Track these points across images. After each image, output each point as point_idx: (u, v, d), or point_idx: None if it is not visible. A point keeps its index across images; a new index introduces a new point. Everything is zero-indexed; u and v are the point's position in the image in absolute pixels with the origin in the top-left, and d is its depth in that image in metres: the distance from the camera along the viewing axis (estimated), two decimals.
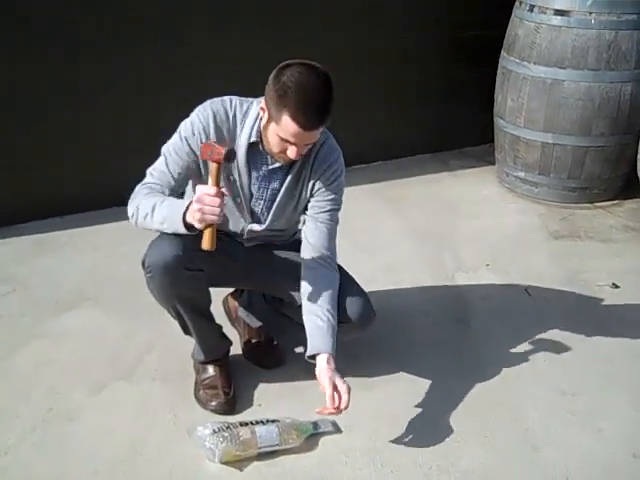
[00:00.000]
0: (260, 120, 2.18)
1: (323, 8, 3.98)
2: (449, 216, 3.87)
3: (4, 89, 3.40)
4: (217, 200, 1.96)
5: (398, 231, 3.69)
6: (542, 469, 2.21)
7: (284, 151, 2.12)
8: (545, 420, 2.41)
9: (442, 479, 2.16)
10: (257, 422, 2.27)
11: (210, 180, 2.02)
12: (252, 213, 2.35)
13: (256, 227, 2.36)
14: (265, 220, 2.35)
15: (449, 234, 3.67)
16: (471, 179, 4.35)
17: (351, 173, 4.16)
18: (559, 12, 3.70)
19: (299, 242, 2.55)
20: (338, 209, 2.35)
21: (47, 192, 3.66)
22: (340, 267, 2.42)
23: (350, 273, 2.47)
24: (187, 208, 2.01)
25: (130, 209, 2.21)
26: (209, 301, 2.42)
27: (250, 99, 2.25)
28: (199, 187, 2.01)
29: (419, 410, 2.44)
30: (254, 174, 2.28)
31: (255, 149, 2.24)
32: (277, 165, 2.26)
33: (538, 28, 3.78)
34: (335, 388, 2.15)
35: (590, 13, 3.64)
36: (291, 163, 2.25)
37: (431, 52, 4.39)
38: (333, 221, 2.34)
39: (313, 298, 2.27)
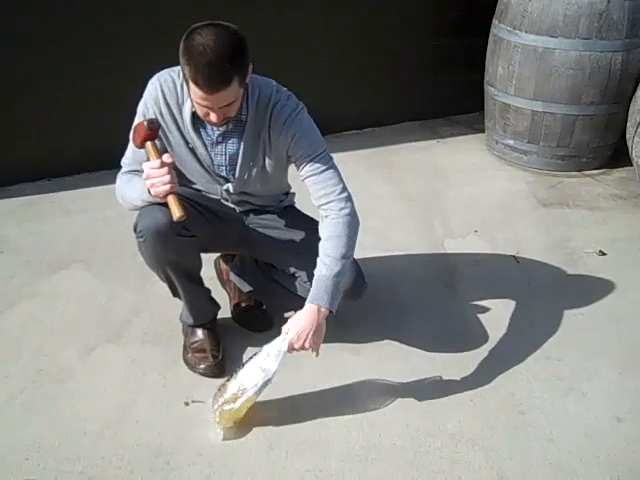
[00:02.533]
0: None
1: None
2: (438, 183, 3.87)
3: None
4: (163, 170, 1.99)
5: (387, 197, 3.70)
6: (526, 433, 2.24)
7: (207, 115, 2.09)
8: (530, 385, 2.43)
9: (429, 442, 2.19)
10: (236, 372, 2.23)
11: (151, 156, 2.05)
12: (220, 176, 2.34)
13: (230, 188, 2.35)
14: (234, 182, 2.34)
15: (438, 201, 3.68)
16: (461, 147, 4.35)
17: (341, 139, 4.23)
18: None
19: (295, 209, 2.56)
20: (322, 152, 2.25)
21: (36, 154, 3.64)
22: None
23: None
24: None
25: (119, 199, 2.28)
26: (200, 266, 2.43)
27: None
28: (144, 164, 2.04)
29: (406, 375, 2.46)
30: (207, 141, 2.27)
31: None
32: (225, 129, 2.24)
33: None
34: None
35: None
36: (243, 126, 2.22)
37: (422, 20, 4.36)
38: (322, 163, 2.25)
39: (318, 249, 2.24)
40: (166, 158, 2.02)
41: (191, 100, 2.12)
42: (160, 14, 3.59)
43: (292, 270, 2.46)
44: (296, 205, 2.64)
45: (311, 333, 2.11)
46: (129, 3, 3.54)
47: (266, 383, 2.15)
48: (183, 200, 2.05)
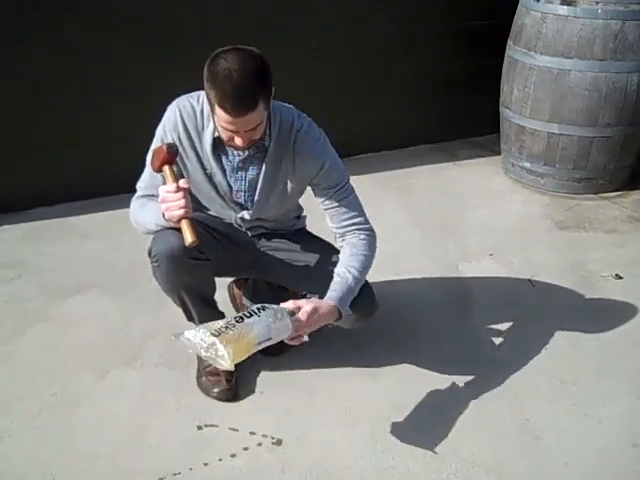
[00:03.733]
0: None
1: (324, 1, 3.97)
2: (454, 206, 3.87)
3: (7, 77, 3.43)
4: (178, 195, 2.00)
5: (403, 220, 3.70)
6: (541, 457, 2.22)
7: (231, 140, 2.11)
8: (545, 409, 2.42)
9: (442, 467, 2.18)
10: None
11: (167, 180, 2.07)
12: (237, 204, 2.36)
13: (246, 216, 2.37)
14: (251, 209, 2.36)
15: (454, 224, 3.67)
16: (477, 169, 4.35)
17: (357, 162, 4.24)
18: (565, 2, 3.69)
19: (306, 232, 2.57)
20: (344, 183, 2.31)
21: (53, 178, 3.68)
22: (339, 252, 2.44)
23: None
24: None
25: (132, 223, 2.31)
26: (214, 290, 2.44)
27: None
28: (160, 188, 2.05)
29: (420, 398, 2.45)
30: (227, 167, 2.29)
31: (221, 141, 2.24)
32: (247, 154, 2.26)
33: (545, 18, 3.77)
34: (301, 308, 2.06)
35: (597, 3, 3.62)
36: (265, 151, 2.24)
37: (438, 42, 4.39)
38: (346, 194, 2.31)
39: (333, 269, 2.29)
40: (182, 183, 2.04)
41: (214, 125, 2.15)
42: (175, 41, 3.64)
43: (304, 292, 2.46)
44: (307, 227, 2.66)
45: (316, 327, 2.11)
46: (141, 29, 3.59)
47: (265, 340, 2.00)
48: (196, 224, 2.06)
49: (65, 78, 3.54)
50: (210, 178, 2.29)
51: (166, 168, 2.08)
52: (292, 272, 2.48)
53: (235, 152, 2.25)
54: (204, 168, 2.28)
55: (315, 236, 2.60)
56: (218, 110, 2.02)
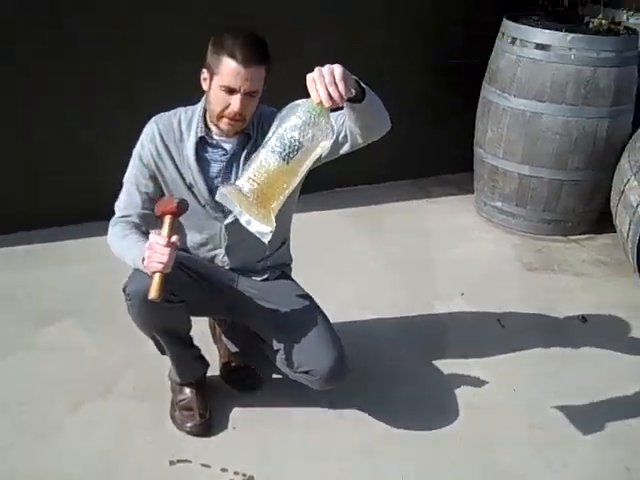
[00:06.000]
0: (204, 112, 2.29)
1: (304, 36, 3.99)
2: (427, 243, 3.93)
3: None
4: (166, 250, 2.02)
5: (376, 258, 3.74)
6: None
7: (228, 106, 2.17)
8: (513, 454, 2.46)
9: None
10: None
11: (164, 230, 2.08)
12: (220, 210, 2.35)
13: (231, 219, 2.33)
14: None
15: (426, 262, 3.72)
16: (449, 207, 4.42)
17: (331, 197, 4.29)
18: (540, 46, 3.78)
19: (291, 282, 2.58)
20: None
21: (33, 204, 3.67)
22: (317, 307, 2.48)
23: (326, 303, 2.53)
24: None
25: (110, 246, 2.31)
26: (189, 328, 2.45)
27: (196, 105, 2.34)
28: (153, 234, 2.07)
29: (392, 440, 2.49)
30: (212, 168, 2.33)
31: (205, 144, 2.31)
32: (231, 146, 2.31)
33: (519, 61, 3.86)
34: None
35: (570, 49, 3.72)
36: (248, 139, 2.29)
37: (414, 79, 4.45)
38: None
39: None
40: (174, 239, 2.06)
41: (198, 125, 2.26)
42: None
43: (273, 343, 2.43)
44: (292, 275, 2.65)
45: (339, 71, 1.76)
46: (128, 78, 3.63)
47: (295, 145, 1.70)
48: (174, 269, 2.06)
49: (43, 105, 3.56)
50: (189, 187, 2.32)
51: (168, 218, 2.09)
52: (266, 322, 2.46)
53: (223, 145, 2.31)
54: (183, 178, 2.32)
55: (297, 287, 2.57)
56: (226, 63, 2.12)
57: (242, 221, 1.74)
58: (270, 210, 1.71)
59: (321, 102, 1.70)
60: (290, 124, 1.68)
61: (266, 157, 1.68)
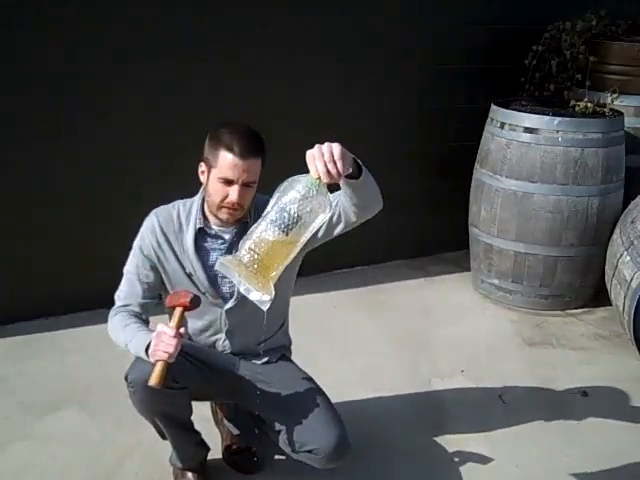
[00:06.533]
0: (203, 203, 2.36)
1: (290, 115, 4.07)
2: (426, 322, 3.96)
3: None
4: (173, 341, 2.06)
5: (376, 336, 3.77)
6: None
7: (226, 197, 2.24)
8: None
9: None
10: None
11: (173, 321, 2.13)
12: (220, 297, 2.41)
13: (231, 304, 2.41)
14: (237, 295, 2.38)
15: (425, 340, 3.75)
16: (448, 285, 4.47)
17: (331, 278, 4.35)
18: (528, 129, 3.90)
19: (291, 365, 2.61)
20: None
21: (32, 293, 3.72)
22: (318, 388, 2.50)
23: (326, 383, 2.55)
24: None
25: (110, 335, 2.34)
26: (190, 414, 2.46)
27: (194, 197, 2.42)
28: (161, 324, 2.11)
29: None
30: (212, 257, 2.38)
31: (204, 234, 2.37)
32: (230, 235, 2.37)
33: (509, 144, 3.97)
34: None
35: (557, 131, 3.84)
36: (242, 233, 2.27)
37: (411, 161, 4.56)
38: None
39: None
40: (182, 331, 2.11)
41: (196, 217, 2.33)
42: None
43: (276, 425, 2.45)
44: (292, 357, 2.68)
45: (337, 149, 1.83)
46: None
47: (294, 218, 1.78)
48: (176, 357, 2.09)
49: (45, 193, 3.64)
50: (189, 276, 2.38)
51: (179, 311, 2.15)
52: (268, 404, 2.47)
53: (221, 235, 2.37)
54: (183, 268, 2.37)
55: (297, 369, 2.60)
56: (223, 156, 2.19)
57: (241, 289, 1.80)
58: (269, 279, 1.77)
59: (320, 178, 1.78)
60: (290, 197, 1.76)
61: (266, 229, 1.76)
